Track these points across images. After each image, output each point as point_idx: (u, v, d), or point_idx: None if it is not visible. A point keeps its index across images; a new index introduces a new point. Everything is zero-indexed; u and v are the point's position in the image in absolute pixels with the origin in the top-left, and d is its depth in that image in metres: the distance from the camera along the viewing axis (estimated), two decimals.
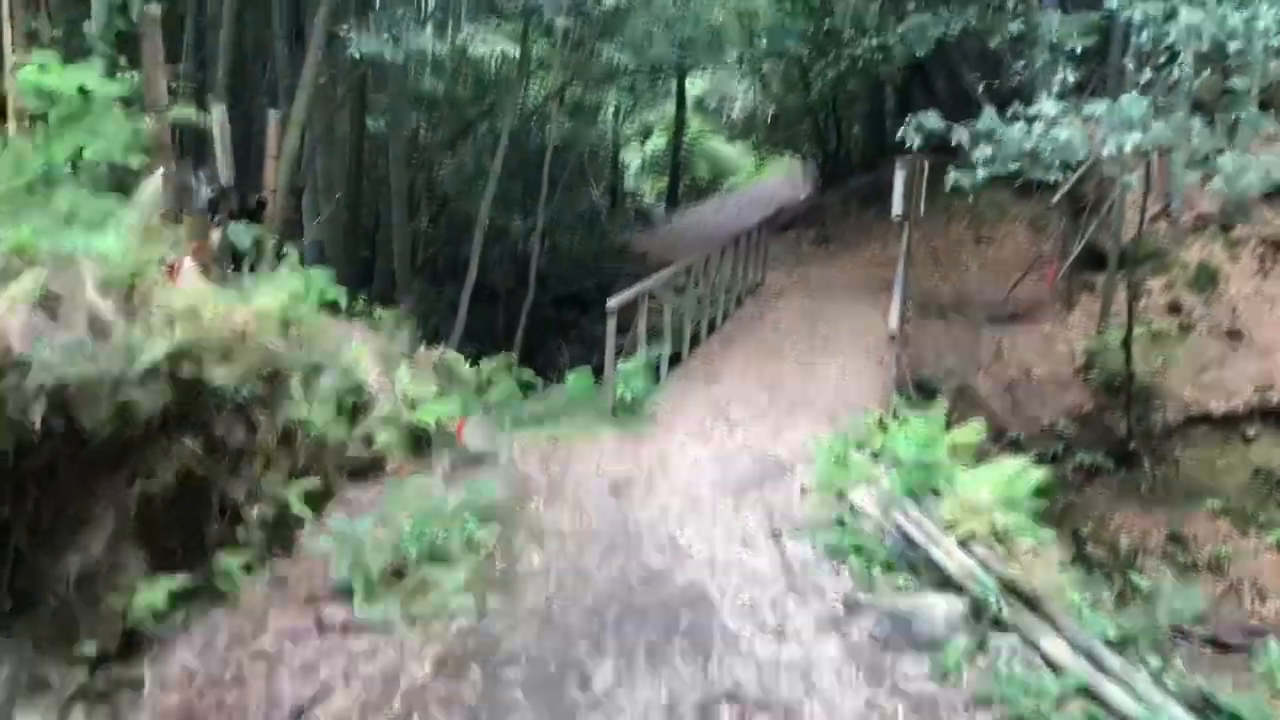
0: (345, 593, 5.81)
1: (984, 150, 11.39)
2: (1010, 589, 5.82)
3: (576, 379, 10.72)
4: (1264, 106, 12.47)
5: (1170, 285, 16.90)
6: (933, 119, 11.97)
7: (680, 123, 35.79)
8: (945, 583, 6.04)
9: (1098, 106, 10.58)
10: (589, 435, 9.26)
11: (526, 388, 10.71)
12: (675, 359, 12.77)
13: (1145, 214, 14.62)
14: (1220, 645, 12.60)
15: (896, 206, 18.58)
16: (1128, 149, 10.27)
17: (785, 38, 20.36)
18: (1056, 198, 16.65)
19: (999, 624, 5.55)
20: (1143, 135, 10.21)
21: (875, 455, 8.70)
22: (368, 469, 7.76)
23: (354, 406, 7.77)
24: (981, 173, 11.44)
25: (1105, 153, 10.59)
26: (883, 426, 9.06)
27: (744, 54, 31.73)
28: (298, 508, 6.52)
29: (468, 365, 10.52)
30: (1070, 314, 17.63)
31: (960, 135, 11.74)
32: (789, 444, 9.57)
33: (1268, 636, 11.23)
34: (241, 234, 7.97)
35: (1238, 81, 11.06)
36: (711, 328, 14.63)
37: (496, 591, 5.91)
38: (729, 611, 5.91)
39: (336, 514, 7.14)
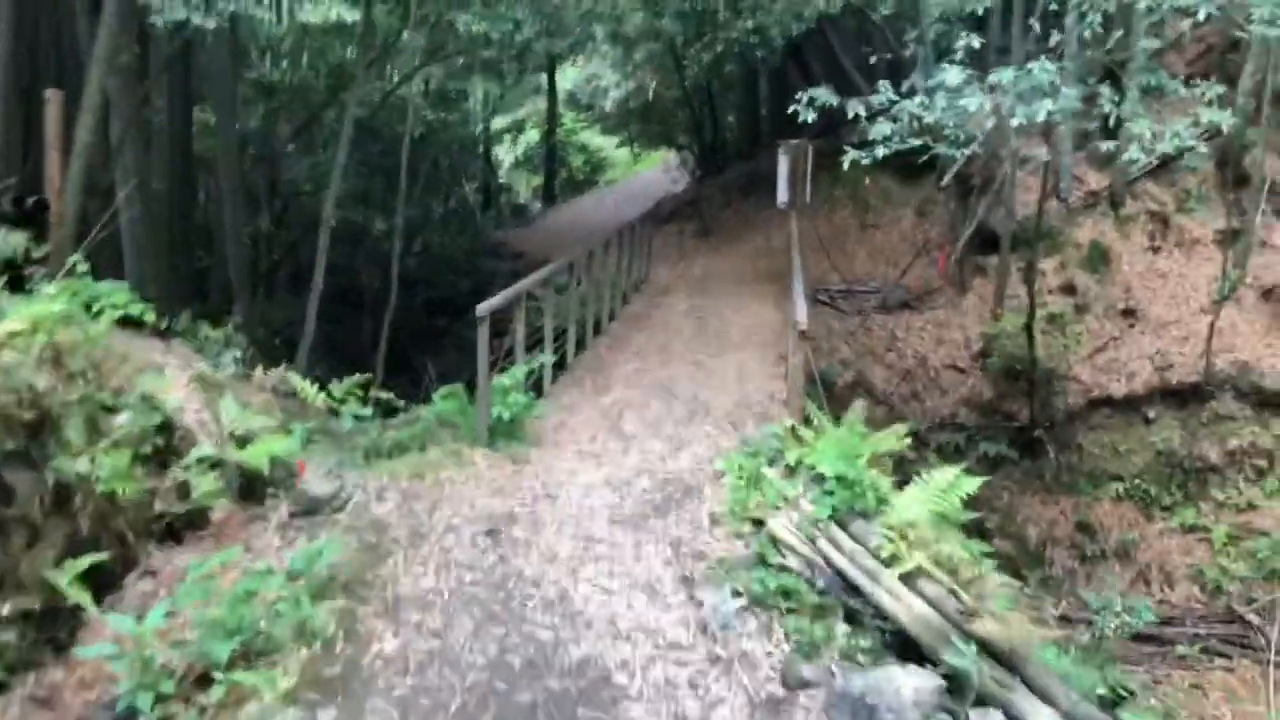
0: (130, 715, 4.26)
1: (882, 127, 10.28)
2: (985, 649, 4.61)
3: (445, 397, 9.22)
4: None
5: (1063, 266, 16.23)
6: (825, 94, 10.83)
7: (553, 116, 34.36)
8: (903, 644, 4.80)
9: (1003, 73, 9.56)
10: (461, 465, 7.79)
11: (388, 411, 9.17)
12: (560, 366, 11.38)
13: (1045, 191, 13.77)
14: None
15: (782, 194, 17.56)
16: (1040, 118, 9.26)
17: (657, 17, 19.02)
18: (946, 179, 15.78)
19: (981, 700, 4.32)
20: (1054, 104, 9.21)
21: (791, 470, 7.46)
22: (184, 527, 6.16)
23: (161, 450, 6.16)
24: (881, 150, 10.33)
25: (1014, 123, 9.58)
26: (796, 437, 7.83)
27: (615, 37, 30.53)
28: (73, 594, 4.93)
29: (317, 387, 8.92)
30: (964, 299, 16.84)
31: (855, 109, 10.61)
32: (692, 460, 8.28)
33: None
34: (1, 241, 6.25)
35: (1145, 42, 10.17)
36: (598, 329, 13.28)
37: (334, 696, 4.44)
38: (639, 700, 4.55)
39: (138, 589, 5.56)
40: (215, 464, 6.56)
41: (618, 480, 7.77)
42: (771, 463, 7.64)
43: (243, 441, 6.87)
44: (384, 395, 8.84)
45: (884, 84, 10.67)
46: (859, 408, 8.28)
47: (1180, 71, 15.15)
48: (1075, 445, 15.15)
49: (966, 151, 16.31)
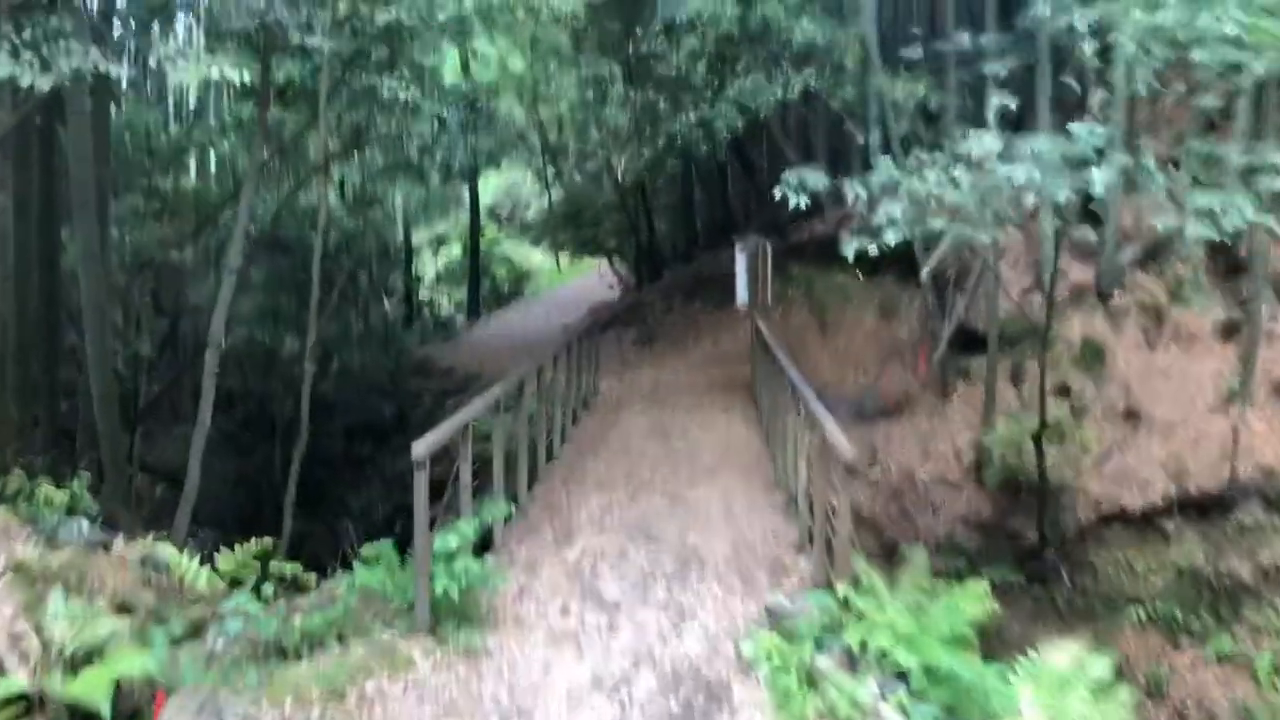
0: None
1: (890, 208, 8.57)
2: None
3: (370, 562, 7.03)
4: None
5: (1054, 365, 14.64)
6: (815, 175, 9.13)
7: (475, 227, 32.68)
8: None
9: (1035, 143, 7.94)
10: (395, 667, 5.62)
11: (294, 587, 6.96)
12: (511, 505, 9.24)
13: (1050, 285, 12.22)
14: None
15: (740, 294, 15.88)
16: (1098, 189, 7.62)
17: (599, 107, 17.47)
18: (926, 272, 14.22)
19: None
20: (1103, 173, 7.59)
21: (852, 658, 5.45)
22: None
23: None
24: (891, 236, 8.59)
25: (1060, 198, 7.94)
26: (848, 606, 5.83)
27: (545, 146, 29.14)
28: None
29: (200, 559, 6.69)
30: (948, 405, 15.15)
31: (854, 189, 8.92)
32: (703, 639, 6.21)
33: None
34: None
35: (1208, 100, 8.69)
36: (550, 453, 11.20)
37: None
38: None
39: None
40: (31, 704, 4.33)
41: (610, 678, 5.66)
42: (821, 645, 5.61)
43: (77, 662, 4.65)
44: (289, 568, 6.59)
45: (884, 160, 9.01)
46: (920, 560, 6.34)
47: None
48: (1088, 566, 13.37)
49: (939, 248, 14.95)
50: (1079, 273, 15.21)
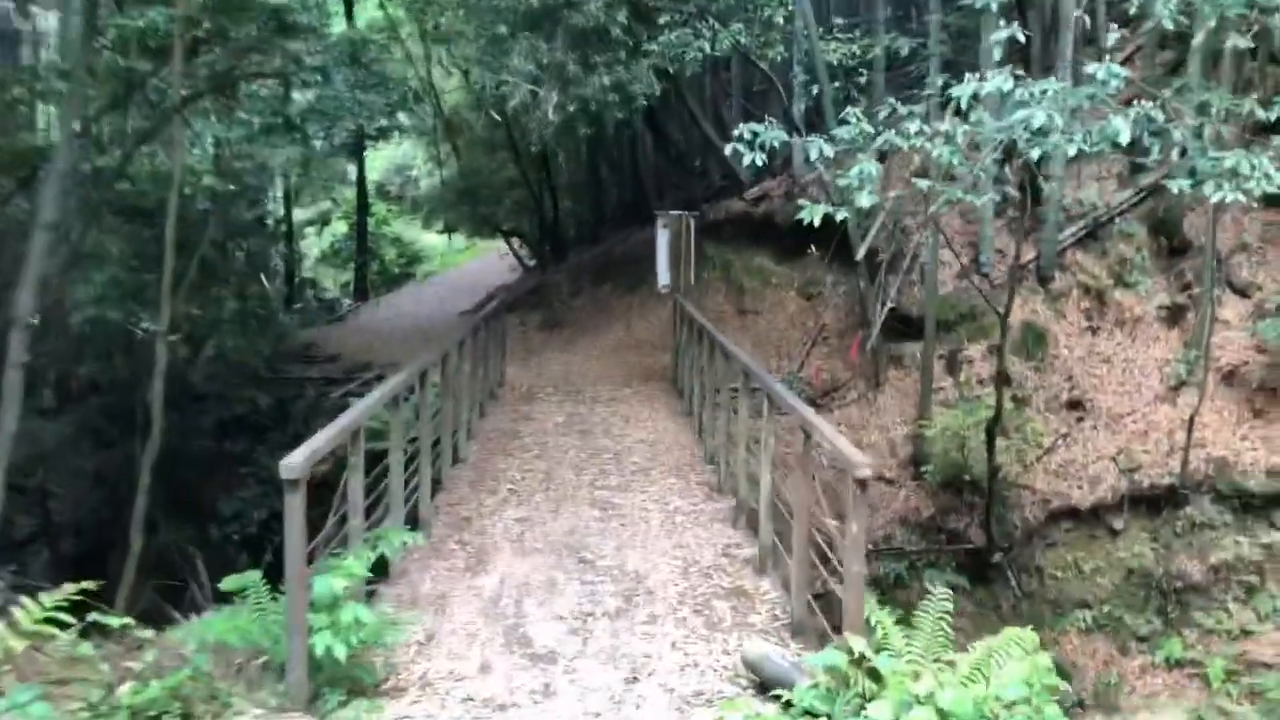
0: None
1: (866, 166, 7.22)
2: None
3: (227, 609, 5.39)
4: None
5: (992, 351, 13.63)
6: (775, 131, 7.73)
7: (363, 204, 30.48)
8: None
9: (1047, 84, 6.66)
10: None
11: (148, 617, 5.25)
12: (410, 521, 7.64)
13: (1018, 261, 11.11)
14: None
15: (662, 275, 14.47)
16: (1124, 137, 6.35)
17: (495, 72, 15.77)
18: (862, 251, 13.00)
19: None
20: (1127, 125, 6.36)
21: None
22: None
23: None
24: (865, 199, 7.24)
25: (1073, 150, 6.68)
26: (863, 666, 4.45)
27: (437, 111, 27.20)
28: None
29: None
30: (880, 394, 14.02)
31: (817, 148, 7.55)
32: (670, 708, 4.77)
33: None
34: None
35: (1239, 39, 7.50)
36: (456, 455, 9.61)
37: None
38: None
39: None
40: None
41: None
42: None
43: None
44: (117, 621, 4.90)
45: (854, 113, 7.66)
46: (942, 596, 5.01)
47: None
48: (1034, 568, 12.41)
49: (873, 225, 13.78)
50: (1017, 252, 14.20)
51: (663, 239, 13.99)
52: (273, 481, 14.74)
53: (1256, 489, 11.81)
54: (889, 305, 13.83)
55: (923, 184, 7.30)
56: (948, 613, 4.97)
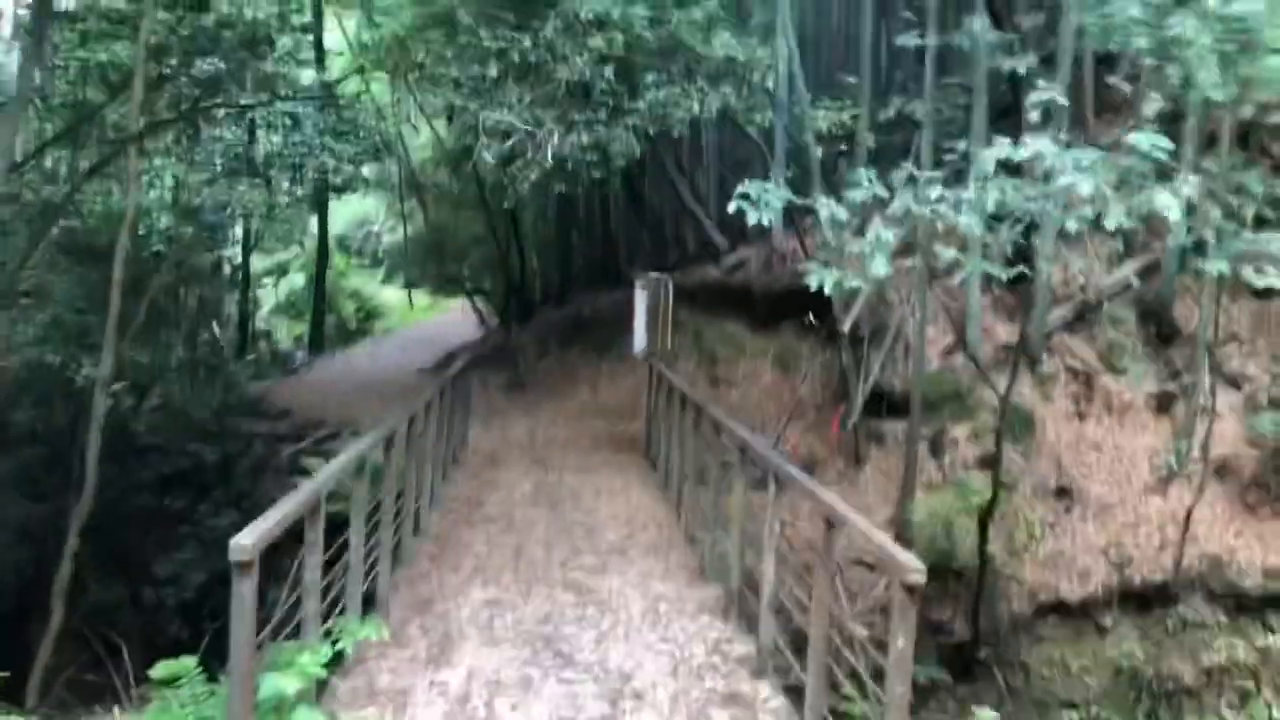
0: None
1: (882, 231, 6.68)
2: None
3: (148, 712, 4.57)
4: None
5: (976, 435, 13.15)
6: (777, 191, 7.19)
7: (324, 254, 29.71)
8: None
9: (1079, 154, 6.17)
10: None
11: None
12: (367, 600, 6.83)
13: (1023, 337, 10.61)
14: None
15: (639, 339, 13.86)
16: (1174, 213, 5.86)
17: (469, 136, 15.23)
18: (848, 324, 12.50)
19: None
20: (1174, 196, 5.87)
21: None
22: None
23: None
24: (881, 267, 6.68)
25: (1112, 224, 6.16)
26: None
27: (403, 164, 26.62)
28: None
29: None
30: (860, 474, 13.41)
31: (827, 209, 7.01)
32: None
33: None
34: None
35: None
36: (417, 526, 8.81)
37: None
38: None
39: None
40: None
41: None
42: None
43: None
44: None
45: (865, 174, 7.14)
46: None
47: None
48: (1020, 664, 11.76)
49: (859, 299, 13.30)
50: (1003, 333, 13.81)
51: (641, 301, 13.42)
52: (215, 542, 13.78)
53: (1251, 589, 11.31)
54: (872, 381, 13.30)
55: (948, 253, 6.75)
56: None
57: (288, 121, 13.39)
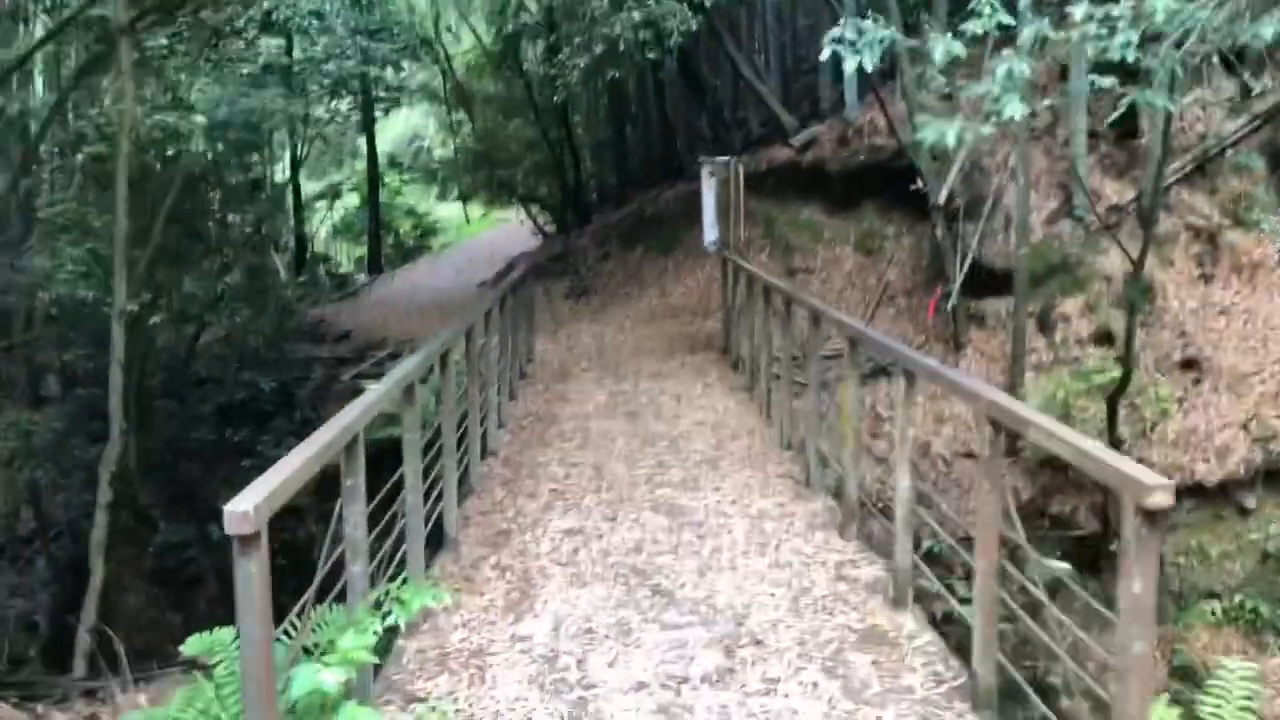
0: None
1: (1016, 65, 5.41)
2: None
3: (176, 701, 3.73)
4: None
5: (1090, 307, 11.86)
6: (882, 31, 5.91)
7: (374, 177, 28.75)
8: None
9: None
10: None
11: None
12: (434, 540, 5.96)
13: (1157, 190, 9.26)
14: None
15: (709, 232, 12.69)
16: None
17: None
18: (944, 194, 11.20)
19: None
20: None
21: None
22: None
23: None
24: (1016, 108, 5.43)
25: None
26: None
27: (447, 69, 25.37)
28: None
29: None
30: (961, 359, 12.23)
31: (943, 46, 5.72)
32: None
33: None
34: None
35: None
36: (485, 448, 7.92)
37: None
38: None
39: None
40: None
41: None
42: None
43: None
44: None
45: (989, 1, 5.85)
46: (1243, 672, 3.28)
47: None
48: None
49: (952, 167, 11.96)
50: (1113, 192, 12.37)
51: (709, 189, 12.22)
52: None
53: None
54: (970, 257, 12.01)
55: (1105, 81, 5.47)
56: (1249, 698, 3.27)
57: (314, 23, 12.23)
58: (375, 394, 4.53)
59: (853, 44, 5.82)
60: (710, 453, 8.10)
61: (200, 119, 11.19)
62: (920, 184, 11.53)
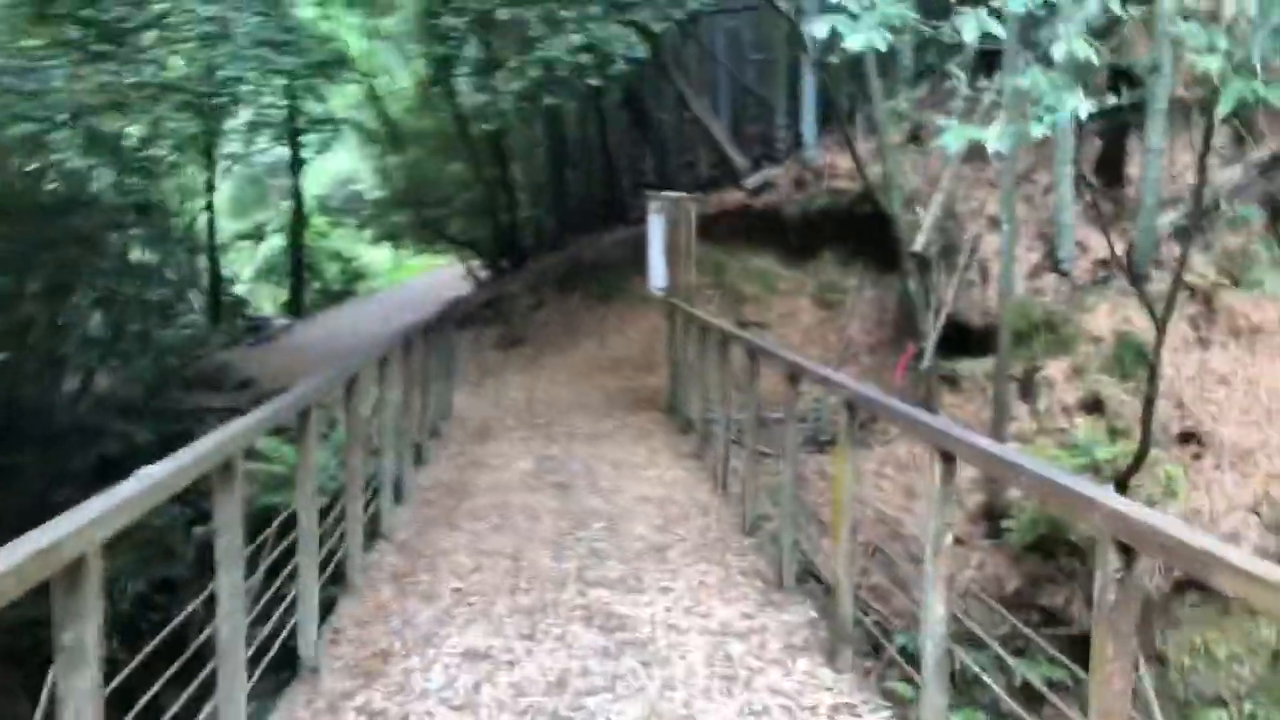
0: None
1: (1078, 44, 4.03)
2: None
3: None
4: None
5: (1077, 371, 10.59)
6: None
7: (300, 217, 27.06)
8: None
9: None
10: None
11: None
12: (281, 667, 4.31)
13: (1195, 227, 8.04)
14: None
15: (656, 274, 11.25)
16: None
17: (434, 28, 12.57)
18: (921, 243, 9.91)
19: None
20: None
21: None
22: None
23: None
24: (1080, 105, 4.05)
25: None
26: None
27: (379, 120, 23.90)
28: None
29: None
30: None
31: (974, 23, 4.33)
32: None
33: None
34: None
35: None
36: (374, 529, 6.28)
37: None
38: None
39: None
40: None
41: None
42: None
43: None
44: None
45: None
46: None
47: None
48: (1153, 654, 9.29)
49: (931, 209, 10.74)
50: (1101, 245, 11.18)
51: (656, 228, 10.81)
52: (151, 542, 10.94)
53: None
54: (945, 312, 10.72)
55: (1211, 64, 4.11)
56: None
57: (209, 29, 10.64)
58: (169, 466, 2.92)
59: (854, 17, 4.41)
60: (656, 538, 6.54)
61: (67, 129, 9.45)
62: (892, 230, 10.24)
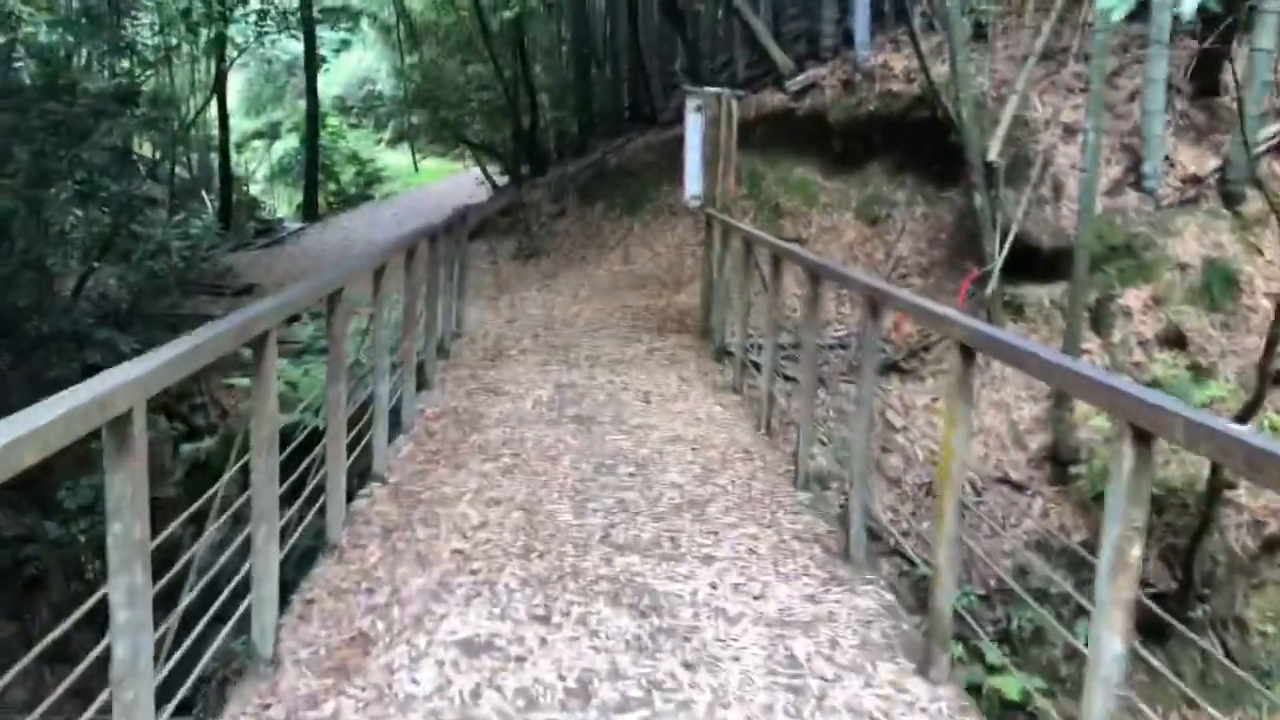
0: None
1: None
2: None
3: None
4: None
5: (1157, 300, 9.43)
6: None
7: (315, 116, 25.74)
8: None
9: None
10: None
11: None
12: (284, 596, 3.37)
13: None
14: None
15: (691, 184, 10.03)
16: None
17: None
18: (994, 150, 8.68)
19: None
20: None
21: None
22: None
23: None
24: None
25: None
26: None
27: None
28: None
29: None
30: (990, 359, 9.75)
31: None
32: None
33: None
34: None
35: None
36: (365, 473, 5.32)
37: None
38: None
39: None
40: None
41: None
42: None
43: None
44: None
45: None
46: None
47: None
48: (1231, 619, 8.33)
49: (1001, 121, 9.48)
50: (1191, 160, 9.93)
51: (695, 128, 9.56)
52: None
53: None
54: (1011, 233, 9.54)
55: None
56: None
57: None
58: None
59: None
60: (693, 489, 5.54)
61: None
62: (954, 138, 9.02)
